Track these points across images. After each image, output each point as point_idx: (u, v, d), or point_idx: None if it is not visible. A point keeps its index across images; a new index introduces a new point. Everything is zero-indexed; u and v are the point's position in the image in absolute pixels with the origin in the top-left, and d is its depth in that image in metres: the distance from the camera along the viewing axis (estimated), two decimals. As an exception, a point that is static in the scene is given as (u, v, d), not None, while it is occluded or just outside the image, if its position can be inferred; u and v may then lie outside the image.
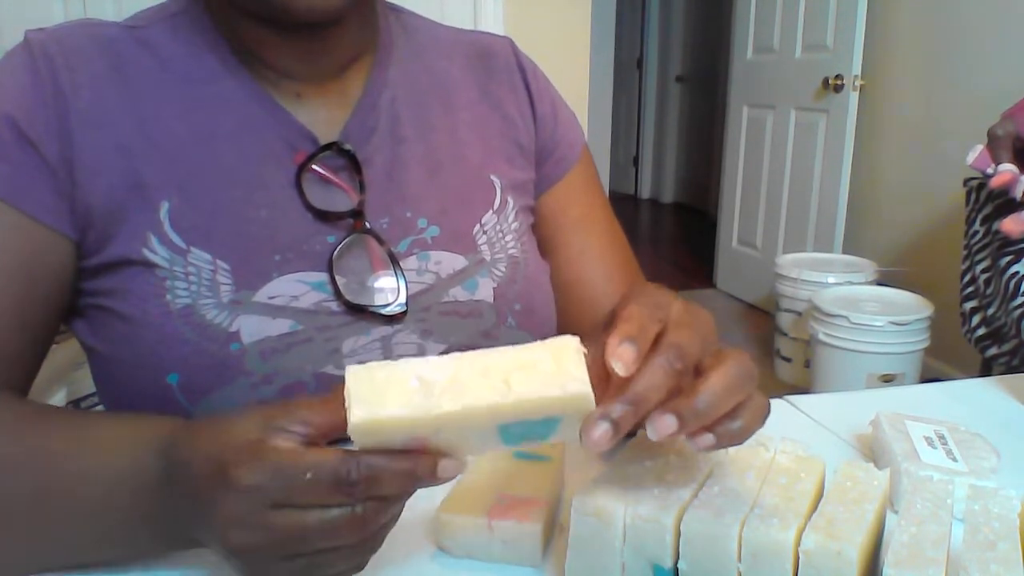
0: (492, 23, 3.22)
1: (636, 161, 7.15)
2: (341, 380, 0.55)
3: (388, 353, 0.63)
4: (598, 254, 0.78)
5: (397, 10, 0.75)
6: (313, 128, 0.65)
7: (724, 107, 4.12)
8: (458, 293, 0.66)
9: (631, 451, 0.51)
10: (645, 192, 7.14)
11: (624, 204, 6.66)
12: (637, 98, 6.97)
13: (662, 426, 0.40)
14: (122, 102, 0.61)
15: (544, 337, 0.63)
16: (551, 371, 0.38)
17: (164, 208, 0.61)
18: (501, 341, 0.65)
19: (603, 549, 0.45)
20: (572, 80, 3.56)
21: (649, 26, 6.77)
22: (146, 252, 0.60)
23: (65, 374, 1.71)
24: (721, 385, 0.41)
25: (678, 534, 0.44)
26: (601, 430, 0.39)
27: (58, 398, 1.70)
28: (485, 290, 0.68)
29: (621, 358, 0.40)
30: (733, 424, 0.43)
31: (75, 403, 1.79)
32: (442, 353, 0.57)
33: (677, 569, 0.44)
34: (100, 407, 0.70)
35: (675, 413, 0.40)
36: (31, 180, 0.59)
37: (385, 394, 0.37)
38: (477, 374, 0.38)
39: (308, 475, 0.39)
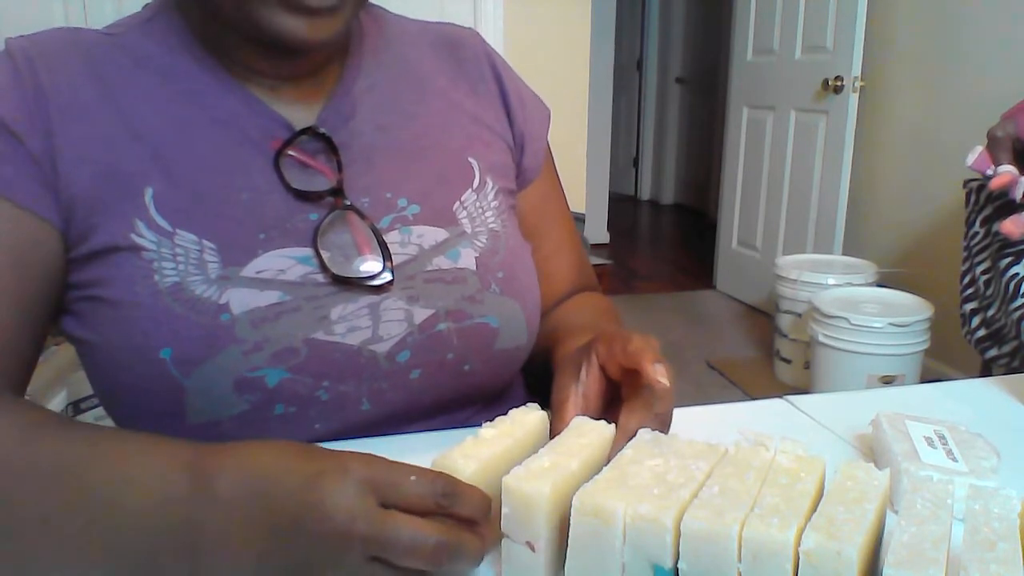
0: (492, 23, 3.22)
1: (636, 162, 7.16)
2: (331, 345, 0.62)
3: (377, 318, 0.65)
4: (569, 246, 0.86)
5: (366, 5, 0.76)
6: (289, 117, 0.67)
7: (724, 108, 4.12)
8: (441, 262, 0.68)
9: (631, 451, 0.51)
10: (645, 193, 7.15)
11: (624, 205, 6.66)
12: (637, 99, 6.98)
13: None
14: (100, 98, 0.64)
15: (528, 304, 0.73)
16: None
17: (148, 193, 0.62)
18: (486, 305, 0.68)
19: (603, 549, 0.45)
20: (572, 81, 3.56)
21: (649, 27, 6.78)
22: (133, 237, 0.61)
23: (65, 375, 1.72)
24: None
25: (678, 534, 0.44)
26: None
27: (58, 399, 1.71)
28: (467, 259, 0.69)
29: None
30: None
31: (75, 404, 1.79)
32: (429, 317, 0.66)
33: (677, 569, 0.44)
34: (100, 409, 0.70)
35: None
36: (18, 171, 0.60)
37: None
38: None
39: (412, 477, 0.45)
